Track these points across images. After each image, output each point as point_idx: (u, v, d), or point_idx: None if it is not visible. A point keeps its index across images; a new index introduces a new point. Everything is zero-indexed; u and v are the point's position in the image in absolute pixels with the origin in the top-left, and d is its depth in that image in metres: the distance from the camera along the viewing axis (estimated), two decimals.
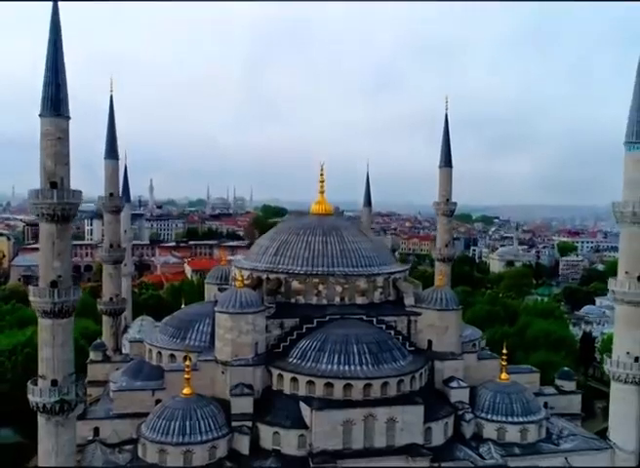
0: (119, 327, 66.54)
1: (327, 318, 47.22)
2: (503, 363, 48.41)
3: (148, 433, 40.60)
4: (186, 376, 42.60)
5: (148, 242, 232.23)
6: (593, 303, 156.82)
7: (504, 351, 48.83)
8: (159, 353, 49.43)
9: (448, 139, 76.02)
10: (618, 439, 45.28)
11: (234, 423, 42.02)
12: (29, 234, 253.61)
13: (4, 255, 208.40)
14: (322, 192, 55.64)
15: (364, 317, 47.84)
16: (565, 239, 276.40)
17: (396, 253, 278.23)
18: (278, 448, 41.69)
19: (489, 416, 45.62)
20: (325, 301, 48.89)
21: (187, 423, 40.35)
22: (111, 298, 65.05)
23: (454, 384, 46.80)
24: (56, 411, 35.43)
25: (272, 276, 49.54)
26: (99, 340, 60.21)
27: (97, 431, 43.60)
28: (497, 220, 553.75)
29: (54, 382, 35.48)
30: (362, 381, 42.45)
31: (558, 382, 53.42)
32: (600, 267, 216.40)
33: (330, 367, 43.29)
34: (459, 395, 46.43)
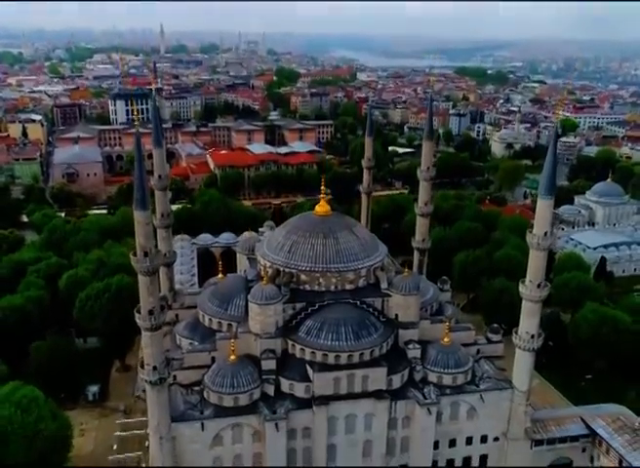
0: (172, 273, 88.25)
1: (325, 302, 68.50)
2: (446, 330, 70.00)
3: (210, 384, 64.05)
4: (232, 348, 65.06)
5: (170, 125, 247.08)
6: (573, 202, 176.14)
7: (447, 324, 70.25)
8: (210, 319, 71.89)
9: (431, 115, 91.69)
10: (517, 383, 68.19)
11: (264, 376, 65.06)
12: (59, 116, 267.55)
13: (42, 143, 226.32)
14: (323, 198, 74.10)
15: (351, 301, 69.02)
16: (568, 114, 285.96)
17: (405, 128, 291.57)
18: (292, 392, 65.05)
19: (432, 368, 68.22)
20: (324, 289, 69.58)
21: (235, 380, 63.43)
22: (165, 254, 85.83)
23: (410, 346, 69.00)
24: (157, 384, 58.37)
25: (287, 270, 69.92)
26: (162, 294, 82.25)
27: (175, 377, 67.26)
28: (512, 76, 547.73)
29: (154, 367, 57.93)
30: (346, 353, 64.66)
31: (489, 335, 75.34)
32: (593, 152, 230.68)
33: (326, 342, 65.22)
34: (413, 353, 68.80)
